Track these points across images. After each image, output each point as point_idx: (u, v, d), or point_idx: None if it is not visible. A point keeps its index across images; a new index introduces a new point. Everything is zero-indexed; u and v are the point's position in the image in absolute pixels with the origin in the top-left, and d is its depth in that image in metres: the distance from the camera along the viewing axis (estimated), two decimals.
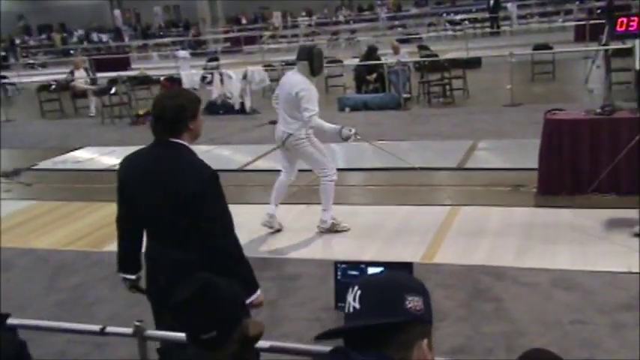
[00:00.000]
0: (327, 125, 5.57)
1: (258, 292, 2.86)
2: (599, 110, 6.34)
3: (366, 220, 6.16)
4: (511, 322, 4.07)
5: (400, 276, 1.58)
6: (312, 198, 6.39)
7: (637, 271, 4.55)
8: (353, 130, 5.61)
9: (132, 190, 2.87)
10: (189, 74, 14.84)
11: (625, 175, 6.07)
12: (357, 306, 1.43)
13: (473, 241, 5.45)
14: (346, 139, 5.61)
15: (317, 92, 5.63)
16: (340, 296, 4.14)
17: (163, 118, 2.78)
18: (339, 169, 6.01)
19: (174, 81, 14.46)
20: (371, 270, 4.10)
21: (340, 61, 15.71)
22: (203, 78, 14.49)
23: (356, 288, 1.46)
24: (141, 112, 12.87)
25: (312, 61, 5.55)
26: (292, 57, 21.25)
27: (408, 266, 4.08)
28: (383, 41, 21.27)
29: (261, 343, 2.22)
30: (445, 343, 3.77)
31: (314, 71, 5.59)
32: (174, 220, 2.75)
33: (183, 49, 25.96)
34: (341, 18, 34.85)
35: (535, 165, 6.52)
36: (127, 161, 2.94)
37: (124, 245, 3.02)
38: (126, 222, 2.96)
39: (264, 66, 15.53)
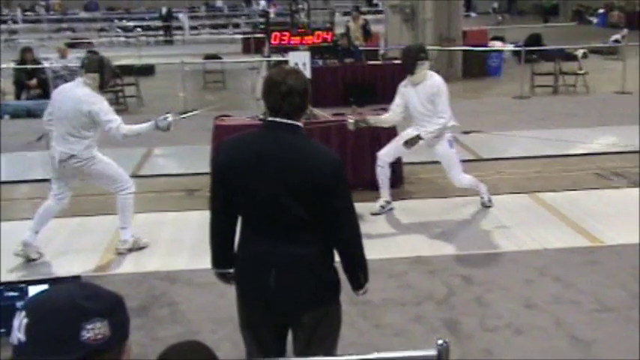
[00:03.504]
0: (138, 127, 5.10)
1: (367, 285, 2.78)
2: (262, 116, 6.81)
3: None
4: (186, 324, 4.14)
5: (80, 295, 1.29)
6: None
7: None
8: (169, 117, 5.15)
9: (241, 177, 2.54)
10: None
11: None
12: (23, 338, 1.24)
13: (148, 248, 5.40)
14: (168, 127, 5.14)
15: None
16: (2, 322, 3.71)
17: (291, 98, 2.47)
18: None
19: None
20: (33, 289, 3.75)
21: None
22: None
23: (23, 314, 1.25)
24: None
25: (102, 73, 4.94)
26: None
27: (75, 280, 3.83)
28: (49, 45, 19.90)
29: None
30: None
31: (104, 84, 5.03)
32: (296, 211, 2.49)
33: None
34: None
35: (207, 170, 6.72)
36: (231, 146, 2.64)
37: (222, 238, 2.72)
38: (224, 212, 2.66)
39: None
